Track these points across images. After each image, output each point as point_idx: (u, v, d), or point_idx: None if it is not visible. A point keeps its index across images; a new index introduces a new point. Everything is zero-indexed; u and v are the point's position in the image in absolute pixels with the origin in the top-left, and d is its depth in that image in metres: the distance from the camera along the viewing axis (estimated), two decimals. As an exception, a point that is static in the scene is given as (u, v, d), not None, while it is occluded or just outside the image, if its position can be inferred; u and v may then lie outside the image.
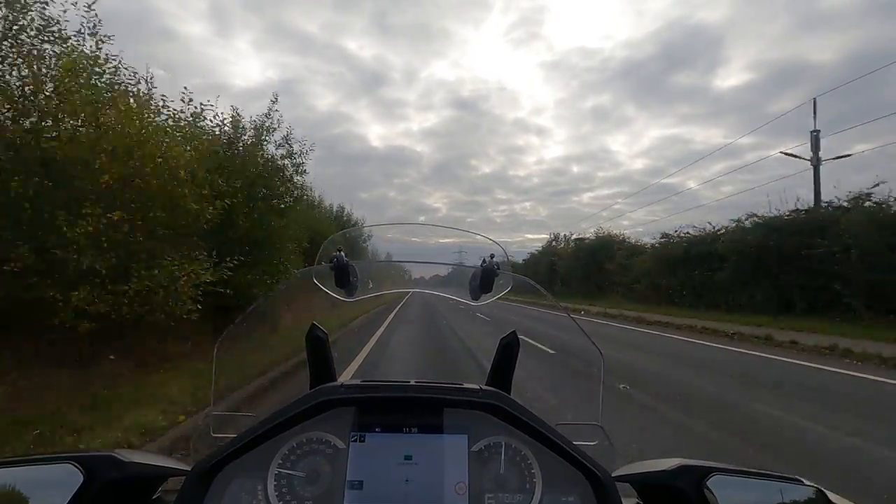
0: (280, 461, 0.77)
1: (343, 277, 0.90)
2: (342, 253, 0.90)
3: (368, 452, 0.78)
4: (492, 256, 0.94)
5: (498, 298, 0.98)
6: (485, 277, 0.93)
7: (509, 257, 0.98)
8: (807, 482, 0.78)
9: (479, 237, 1.03)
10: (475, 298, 0.98)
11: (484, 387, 0.84)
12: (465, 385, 0.83)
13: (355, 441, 0.79)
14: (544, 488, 0.79)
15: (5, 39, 5.52)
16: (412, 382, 0.82)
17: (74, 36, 6.28)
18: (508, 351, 0.96)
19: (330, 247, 0.94)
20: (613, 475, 0.81)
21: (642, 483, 0.85)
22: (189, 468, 0.78)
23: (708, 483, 0.76)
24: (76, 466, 0.70)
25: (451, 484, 0.77)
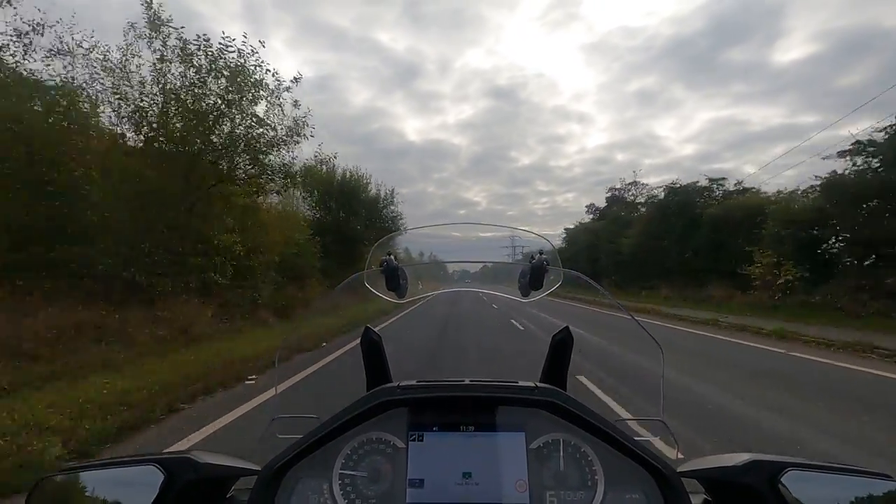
0: (343, 461, 0.79)
1: (394, 280, 0.92)
2: (392, 256, 0.92)
3: (427, 451, 0.79)
4: (540, 253, 0.94)
5: (548, 294, 0.97)
6: (534, 274, 0.93)
7: (557, 252, 0.97)
8: None
9: (527, 233, 1.03)
10: (525, 295, 0.98)
11: (539, 384, 0.83)
12: (521, 383, 0.83)
13: (414, 440, 0.80)
14: (607, 485, 0.78)
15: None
16: (467, 381, 0.83)
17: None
18: (561, 346, 0.95)
19: (379, 251, 0.97)
20: (679, 471, 0.79)
21: (710, 479, 0.82)
22: (257, 468, 0.82)
23: (783, 479, 0.72)
24: (158, 468, 0.75)
25: (511, 481, 0.77)
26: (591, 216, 46.37)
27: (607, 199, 42.55)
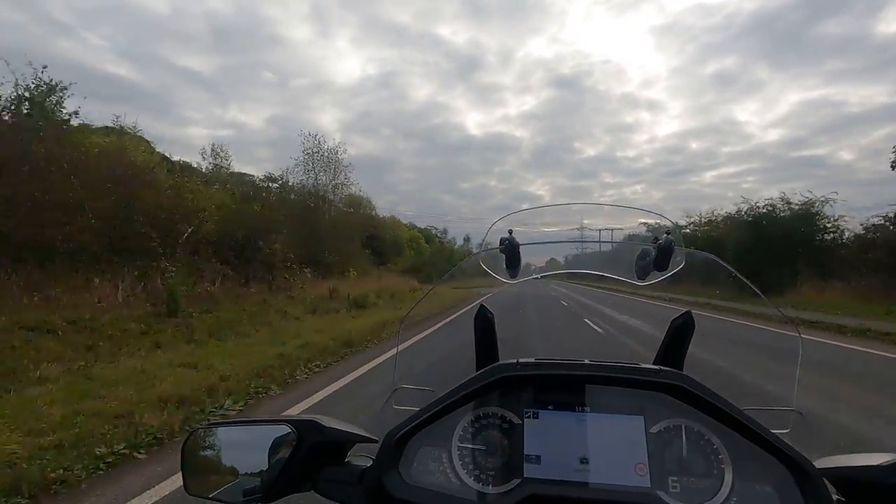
0: (461, 433, 0.81)
1: (513, 259, 0.92)
2: (513, 235, 0.92)
3: (543, 429, 0.79)
4: (667, 233, 0.89)
5: (668, 278, 0.92)
6: (661, 255, 0.88)
7: (681, 232, 0.92)
8: None
9: (651, 214, 0.99)
10: (642, 278, 0.94)
11: (664, 367, 0.80)
12: (643, 365, 0.80)
13: (529, 417, 0.80)
14: (735, 475, 0.73)
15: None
16: (587, 361, 0.82)
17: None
18: (682, 331, 0.91)
19: (495, 230, 0.97)
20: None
21: (846, 478, 0.75)
22: (372, 436, 0.86)
23: None
24: (291, 428, 0.81)
25: (631, 464, 0.75)
26: None
27: None
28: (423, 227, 56.23)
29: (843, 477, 0.75)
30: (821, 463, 0.76)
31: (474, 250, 0.99)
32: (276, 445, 0.81)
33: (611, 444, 0.76)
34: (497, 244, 0.94)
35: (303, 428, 0.81)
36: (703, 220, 33.25)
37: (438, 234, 59.04)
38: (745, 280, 0.87)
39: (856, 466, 0.74)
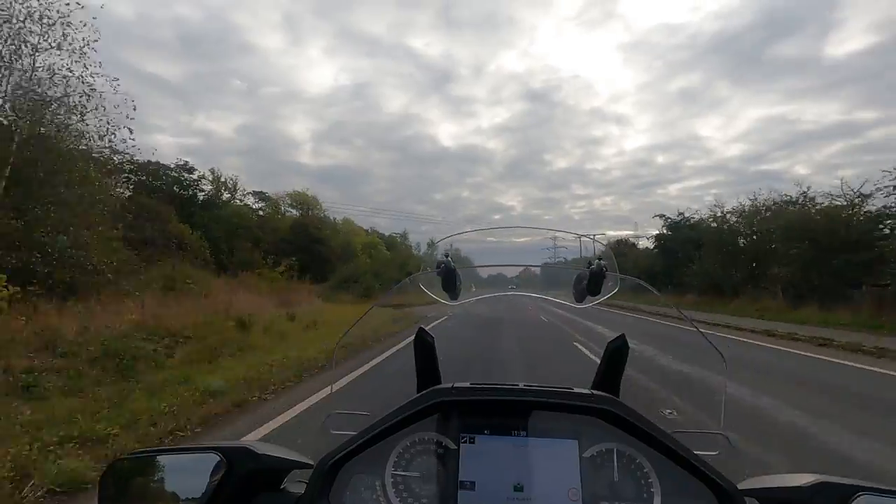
0: (395, 459, 0.80)
1: (451, 282, 0.93)
2: (449, 259, 0.93)
3: (479, 454, 0.79)
4: (599, 258, 0.92)
5: (605, 300, 0.95)
6: (593, 280, 0.91)
7: (615, 258, 0.95)
8: None
9: (585, 238, 1.02)
10: (579, 300, 0.96)
11: (596, 392, 0.82)
12: (577, 390, 0.82)
13: (465, 442, 0.80)
14: (663, 499, 0.75)
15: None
16: (521, 385, 0.83)
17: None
18: (617, 355, 0.93)
19: (435, 254, 0.98)
20: (739, 488, 0.76)
21: (772, 499, 0.79)
22: (310, 461, 0.84)
23: None
24: (219, 456, 0.78)
25: (564, 489, 0.76)
26: None
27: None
28: (387, 234, 54.59)
29: (766, 498, 0.78)
30: (746, 484, 0.79)
31: (439, 257, 1.00)
32: (213, 473, 0.78)
33: (545, 468, 0.77)
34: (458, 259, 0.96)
35: (233, 455, 0.78)
36: (763, 206, 22.97)
37: (399, 237, 57.60)
38: (670, 303, 0.91)
39: (779, 487, 0.77)
